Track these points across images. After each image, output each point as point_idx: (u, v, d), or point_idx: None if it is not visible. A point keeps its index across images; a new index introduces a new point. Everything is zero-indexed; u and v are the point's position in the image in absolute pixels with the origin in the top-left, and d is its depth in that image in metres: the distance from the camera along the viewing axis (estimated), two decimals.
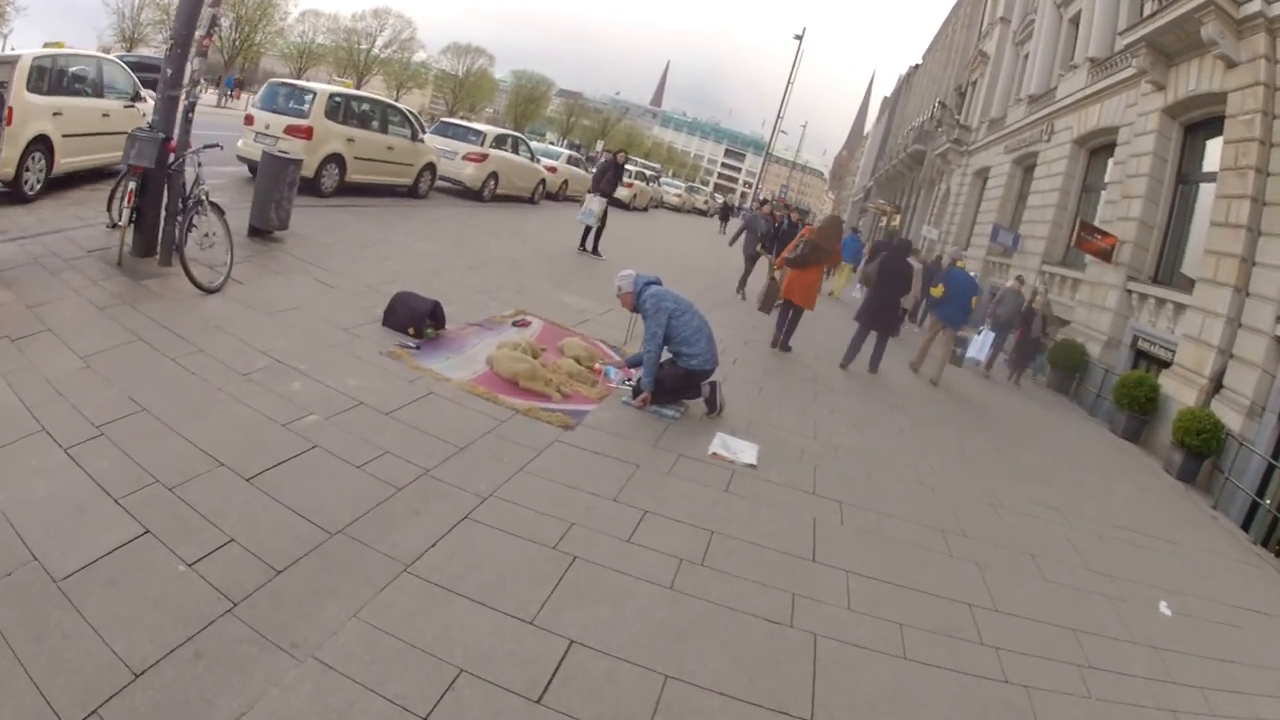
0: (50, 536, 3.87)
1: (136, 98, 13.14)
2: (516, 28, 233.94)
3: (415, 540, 4.50)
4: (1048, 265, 23.51)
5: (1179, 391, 14.03)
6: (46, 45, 13.52)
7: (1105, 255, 18.27)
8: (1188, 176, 17.53)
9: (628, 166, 39.95)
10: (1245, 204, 13.62)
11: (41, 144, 10.64)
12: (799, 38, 62.82)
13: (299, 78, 66.84)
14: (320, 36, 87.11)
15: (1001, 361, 18.75)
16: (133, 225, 8.72)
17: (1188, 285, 15.57)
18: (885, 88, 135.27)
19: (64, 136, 11.03)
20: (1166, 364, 15.19)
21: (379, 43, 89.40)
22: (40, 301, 7.07)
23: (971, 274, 16.03)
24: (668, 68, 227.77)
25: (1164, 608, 6.54)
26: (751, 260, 18.08)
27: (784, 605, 4.81)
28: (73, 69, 11.84)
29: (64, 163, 11.27)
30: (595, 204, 17.54)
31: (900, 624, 4.95)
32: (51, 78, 11.05)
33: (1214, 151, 16.12)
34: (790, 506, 6.37)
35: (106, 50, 53.33)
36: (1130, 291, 17.53)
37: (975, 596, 5.67)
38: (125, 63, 15.62)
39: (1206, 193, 16.30)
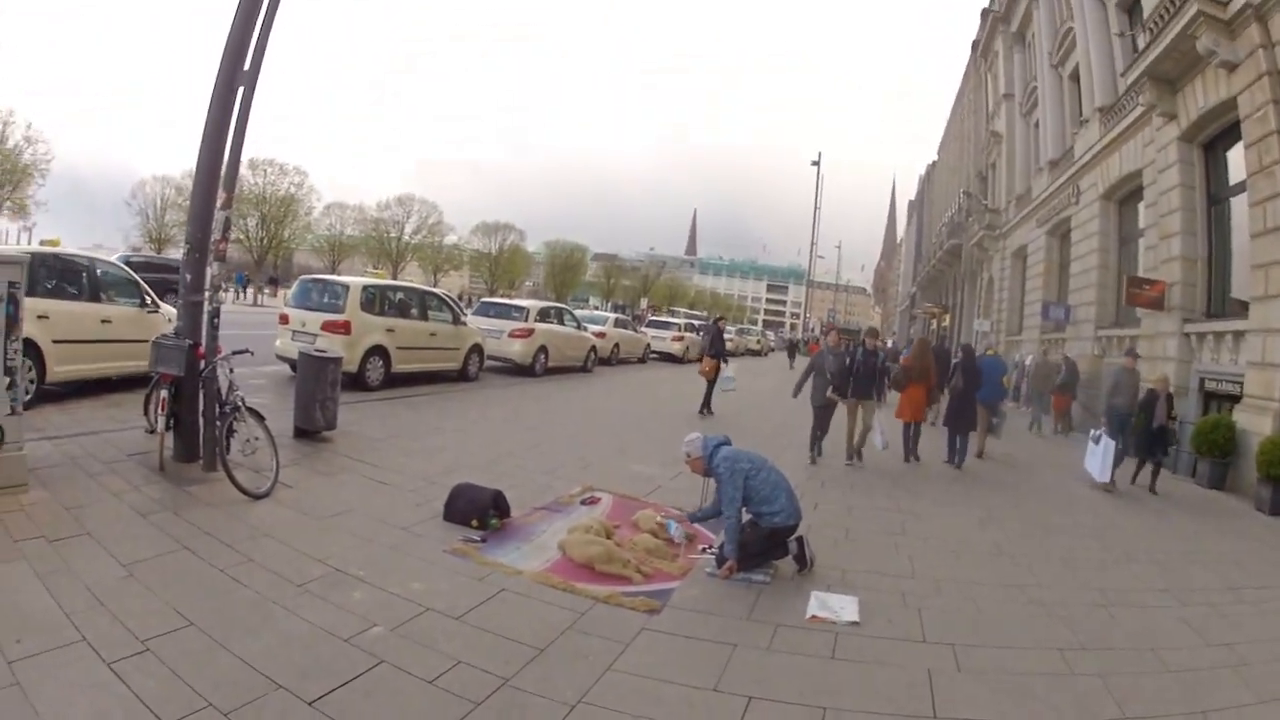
0: None
1: (148, 303, 13.04)
2: (540, 200, 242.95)
3: None
4: (1102, 330, 24.10)
5: (1254, 423, 14.12)
6: (42, 243, 13.68)
7: (1157, 304, 18.61)
8: (1217, 196, 17.87)
9: (670, 320, 41.55)
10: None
11: (29, 350, 9.88)
12: (816, 164, 65.06)
13: (333, 270, 69.52)
14: (349, 228, 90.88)
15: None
16: (171, 431, 8.84)
17: (1242, 310, 15.77)
18: (908, 188, 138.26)
19: (54, 342, 10.90)
20: (1237, 399, 15.16)
21: (408, 229, 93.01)
22: (79, 503, 7.13)
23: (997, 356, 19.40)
24: (695, 216, 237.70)
25: None
26: (825, 411, 13.99)
27: None
28: (63, 270, 11.79)
29: (58, 371, 11.07)
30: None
31: None
32: (42, 279, 10.92)
33: (1236, 161, 16.58)
34: (902, 661, 6.04)
35: (136, 250, 55.89)
36: (1188, 334, 17.63)
37: (1103, 709, 5.47)
38: (139, 263, 16.06)
39: (1239, 207, 16.62)
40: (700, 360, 20.71)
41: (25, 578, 5.56)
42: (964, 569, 8.61)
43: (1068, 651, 6.39)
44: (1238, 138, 15.85)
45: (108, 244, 66.46)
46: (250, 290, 55.47)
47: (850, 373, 13.79)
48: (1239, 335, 15.36)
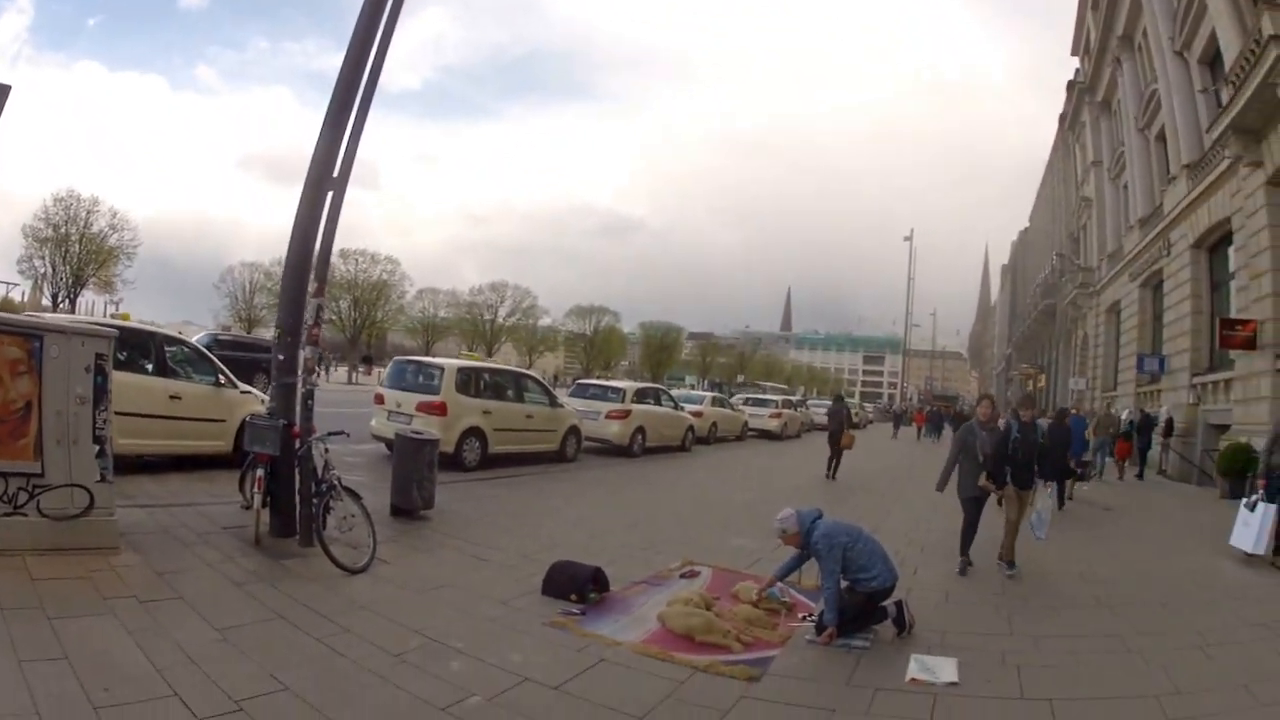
0: None
1: (222, 381, 12.99)
2: (635, 282, 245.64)
3: None
4: (1198, 377, 24.45)
5: None
6: (113, 316, 13.81)
7: (1250, 344, 18.87)
8: None
9: (769, 397, 41.51)
10: None
11: None
12: (908, 239, 65.87)
13: (427, 351, 70.77)
14: (442, 311, 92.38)
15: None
16: (268, 507, 9.08)
17: None
18: (1001, 255, 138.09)
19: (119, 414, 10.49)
20: None
21: (501, 313, 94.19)
22: (171, 570, 7.35)
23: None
24: (790, 293, 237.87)
25: None
26: (978, 504, 11.03)
27: None
28: (129, 344, 11.60)
29: (122, 444, 10.06)
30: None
31: None
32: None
33: None
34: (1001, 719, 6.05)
35: (225, 329, 58.04)
36: None
37: None
38: (228, 340, 16.45)
39: None
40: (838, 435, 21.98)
41: (114, 632, 5.75)
42: (1062, 624, 8.61)
43: (1164, 697, 6.37)
44: None
45: (197, 321, 69.28)
46: (344, 369, 56.97)
47: (1009, 455, 10.89)
48: None
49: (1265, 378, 18.30)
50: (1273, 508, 11.57)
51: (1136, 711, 6.12)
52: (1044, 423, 12.58)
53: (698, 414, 29.10)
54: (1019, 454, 10.99)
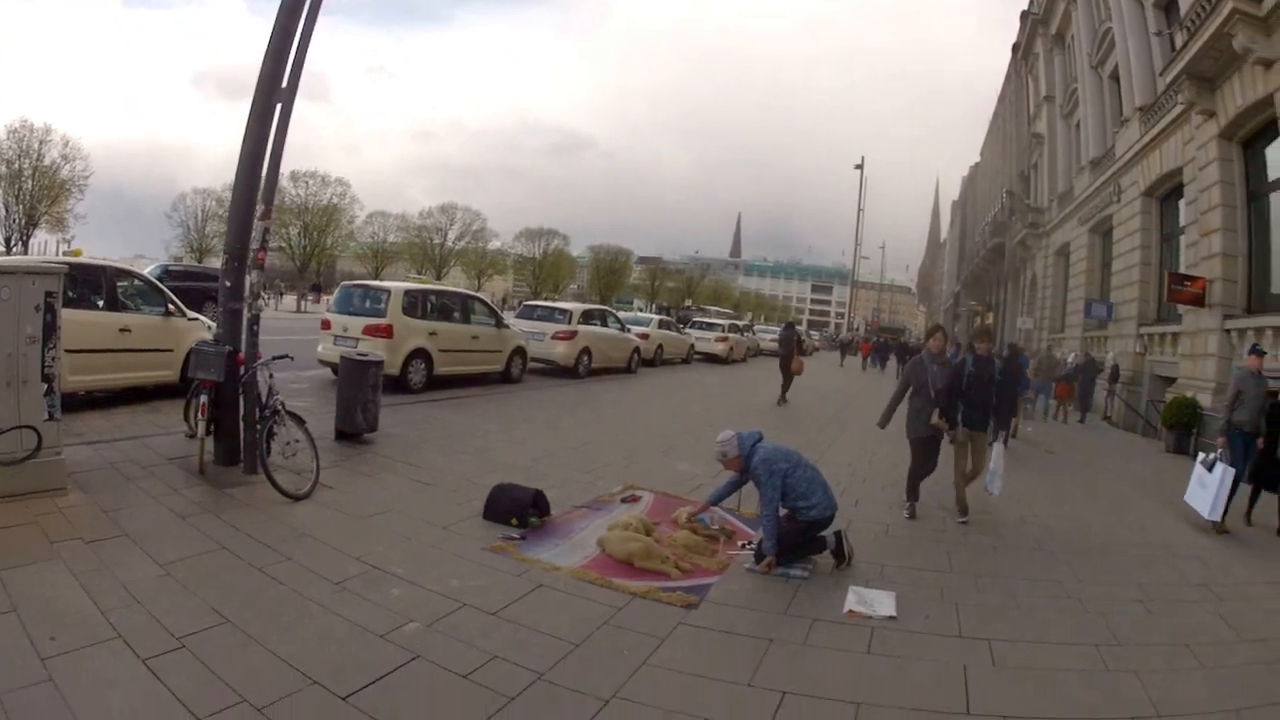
0: None
1: (172, 310, 12.69)
2: (584, 206, 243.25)
3: None
4: (1144, 327, 24.23)
5: None
6: (65, 254, 13.41)
7: (1198, 300, 18.56)
8: (1257, 192, 17.83)
9: (716, 321, 41.44)
10: None
11: None
12: (859, 167, 65.30)
13: (377, 276, 69.93)
14: (391, 235, 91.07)
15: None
16: (212, 435, 8.94)
17: None
18: (951, 191, 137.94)
19: (69, 352, 9.98)
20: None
21: (451, 236, 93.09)
22: (116, 506, 7.22)
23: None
24: (739, 219, 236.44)
25: None
26: (929, 445, 10.30)
27: None
28: (81, 280, 11.39)
29: (72, 381, 10.40)
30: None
31: None
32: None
33: (1275, 158, 16.73)
34: (938, 656, 6.00)
35: (177, 260, 56.76)
36: (1229, 330, 17.54)
37: (1138, 708, 5.35)
38: (179, 271, 16.18)
39: (1278, 202, 16.78)
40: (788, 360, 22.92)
41: (61, 577, 5.62)
42: (1001, 563, 8.57)
43: (1103, 647, 6.33)
44: (1276, 134, 15.85)
45: (149, 254, 67.63)
46: (293, 297, 56.10)
47: (962, 391, 10.19)
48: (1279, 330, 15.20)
49: (1213, 335, 18.11)
50: (1231, 472, 10.52)
51: (1075, 657, 6.10)
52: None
53: (644, 336, 29.15)
54: (973, 391, 10.20)
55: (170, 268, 31.31)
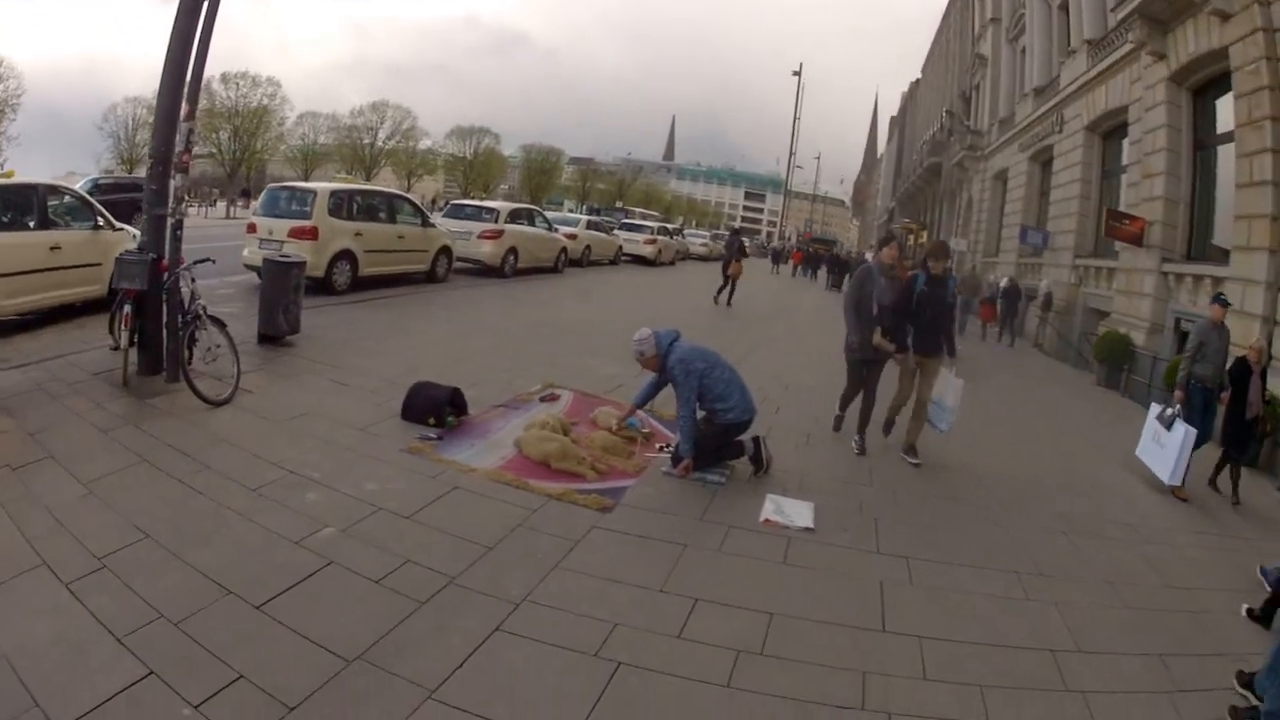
0: (52, 682, 3.69)
1: (101, 224, 12.22)
2: (516, 105, 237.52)
3: (440, 662, 4.16)
4: (1080, 259, 23.65)
5: None
6: None
7: (1136, 240, 18.20)
8: (1204, 142, 17.40)
9: (645, 223, 41.00)
10: (1268, 158, 13.33)
11: None
12: (797, 73, 64.13)
13: (306, 179, 68.25)
14: (322, 136, 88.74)
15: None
16: (135, 345, 8.67)
17: (1222, 256, 15.33)
18: (891, 106, 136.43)
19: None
20: None
21: (381, 135, 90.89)
22: (42, 427, 6.97)
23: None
24: (674, 122, 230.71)
25: (1243, 610, 6.20)
26: (870, 368, 9.41)
27: (854, 687, 4.44)
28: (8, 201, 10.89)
29: (7, 305, 10.33)
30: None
31: (980, 686, 4.59)
32: None
33: (1225, 111, 16.07)
34: (854, 571, 5.95)
35: (108, 173, 54.68)
36: (1165, 273, 17.33)
37: (1057, 640, 5.29)
38: (108, 184, 15.60)
39: (1226, 156, 16.08)
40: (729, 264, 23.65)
41: None
42: (927, 480, 8.42)
43: (1024, 575, 6.28)
44: (1228, 87, 15.32)
45: (80, 170, 65.08)
46: (223, 204, 54.64)
47: (913, 311, 9.06)
48: (1218, 281, 14.86)
49: (1150, 276, 17.79)
50: (1193, 434, 9.23)
51: (996, 583, 6.05)
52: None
53: (572, 237, 28.79)
54: (924, 313, 9.01)
55: (100, 180, 29.97)
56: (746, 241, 29.82)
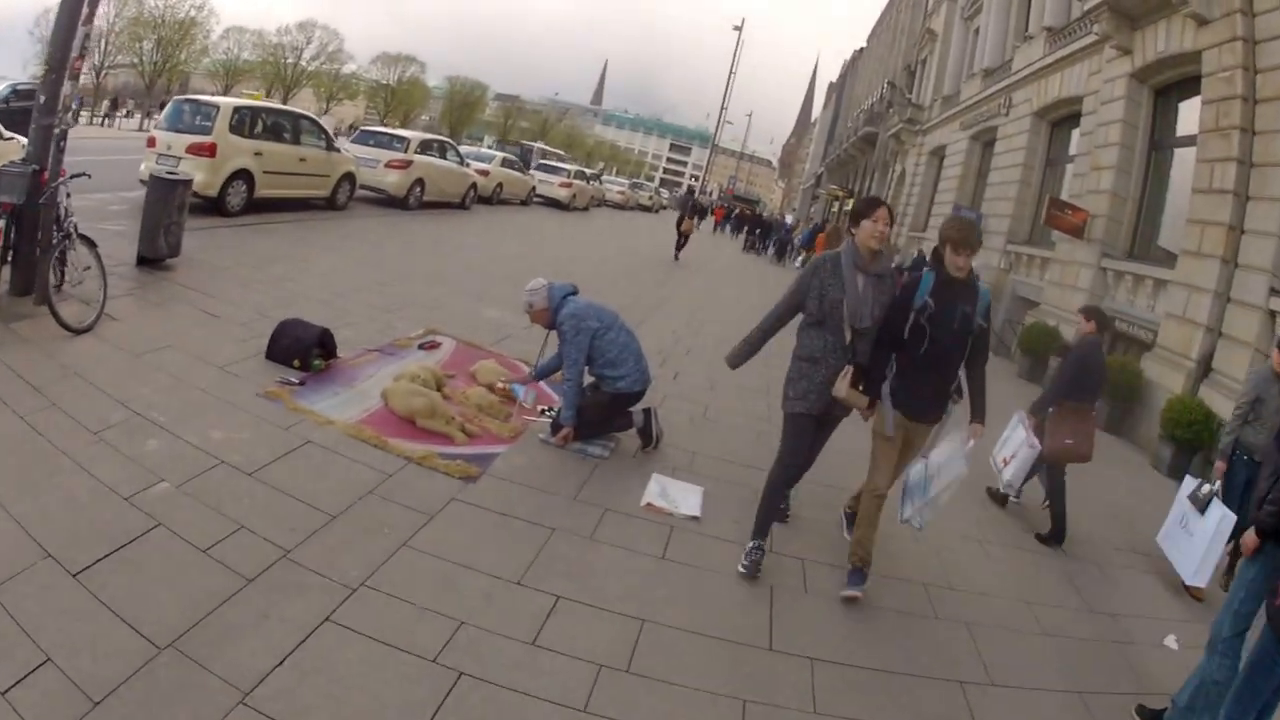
0: None
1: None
2: (447, 36, 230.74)
3: (259, 656, 3.49)
4: (1013, 244, 22.65)
5: (1163, 376, 12.64)
6: None
7: (1076, 231, 17.34)
8: (1161, 143, 16.73)
9: (562, 165, 39.74)
10: (1231, 167, 12.70)
11: None
12: (738, 29, 63.21)
13: (226, 94, 65.10)
14: (246, 52, 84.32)
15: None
16: (10, 264, 7.69)
17: (1167, 259, 14.71)
18: (830, 73, 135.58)
19: None
20: (1148, 346, 13.87)
21: (306, 55, 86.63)
22: None
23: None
24: (606, 66, 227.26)
25: (1171, 641, 5.58)
26: (814, 426, 5.29)
27: (733, 718, 3.79)
28: None
29: None
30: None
31: None
32: None
33: (1188, 114, 15.39)
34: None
35: (36, 79, 51.20)
36: (1104, 269, 16.59)
37: (966, 670, 4.60)
38: (26, 90, 14.30)
39: (1182, 159, 15.51)
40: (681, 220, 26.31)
41: None
42: (833, 470, 6.60)
43: (934, 589, 5.42)
44: (1195, 91, 14.57)
45: (10, 76, 60.98)
46: (138, 116, 51.75)
47: (910, 338, 5.07)
48: (1160, 284, 14.29)
49: (1088, 270, 16.87)
50: (1231, 521, 5.86)
51: (903, 597, 5.30)
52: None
53: (484, 173, 27.51)
54: (929, 342, 5.00)
55: (18, 86, 27.93)
56: (665, 194, 30.99)
